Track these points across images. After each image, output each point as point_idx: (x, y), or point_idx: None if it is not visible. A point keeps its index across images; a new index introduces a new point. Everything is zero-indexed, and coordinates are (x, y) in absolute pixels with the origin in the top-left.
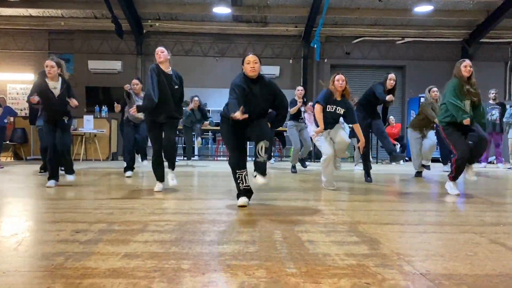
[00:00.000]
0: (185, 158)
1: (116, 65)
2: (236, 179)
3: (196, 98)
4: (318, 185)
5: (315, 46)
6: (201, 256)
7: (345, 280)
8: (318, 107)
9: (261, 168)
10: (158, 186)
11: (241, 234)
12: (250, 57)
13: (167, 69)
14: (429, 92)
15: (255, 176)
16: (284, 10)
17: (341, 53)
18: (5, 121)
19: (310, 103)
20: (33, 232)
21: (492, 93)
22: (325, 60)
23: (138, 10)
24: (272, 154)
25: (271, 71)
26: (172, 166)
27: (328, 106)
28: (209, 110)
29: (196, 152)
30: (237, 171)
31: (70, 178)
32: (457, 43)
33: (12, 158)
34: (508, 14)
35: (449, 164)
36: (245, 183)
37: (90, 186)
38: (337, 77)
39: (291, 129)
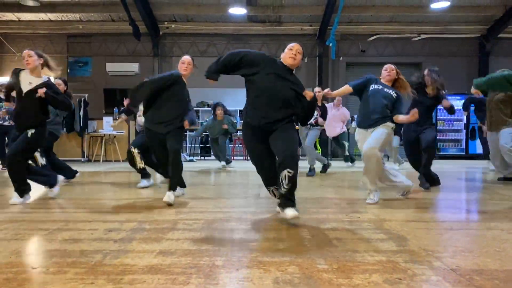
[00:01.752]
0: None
1: (133, 67)
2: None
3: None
4: (338, 183)
5: (331, 45)
6: (233, 253)
7: (376, 276)
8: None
9: (286, 201)
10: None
11: (269, 232)
12: (295, 45)
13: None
14: None
15: (281, 211)
16: (299, 9)
17: (356, 51)
18: None
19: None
20: (67, 231)
21: None
22: (341, 58)
23: (154, 12)
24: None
25: None
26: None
27: (371, 86)
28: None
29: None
30: (268, 187)
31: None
32: (475, 39)
33: None
34: None
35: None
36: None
37: (113, 186)
38: (385, 66)
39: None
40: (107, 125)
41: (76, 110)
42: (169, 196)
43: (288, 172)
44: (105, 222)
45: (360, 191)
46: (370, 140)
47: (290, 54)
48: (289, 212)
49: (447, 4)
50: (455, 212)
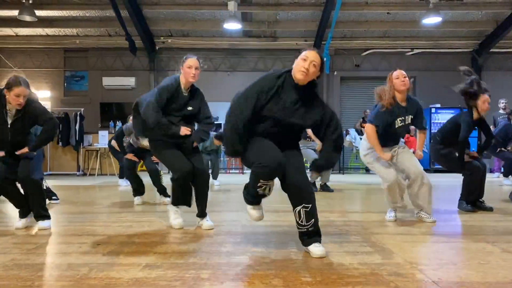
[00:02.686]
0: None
1: (130, 81)
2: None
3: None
4: (329, 195)
5: (325, 59)
6: (219, 266)
7: None
8: (370, 128)
9: (305, 240)
10: (176, 220)
11: (257, 245)
12: (309, 53)
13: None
14: None
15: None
16: (294, 24)
17: (350, 66)
18: None
19: None
20: (56, 245)
21: (502, 103)
22: (335, 73)
23: (150, 27)
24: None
25: None
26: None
27: (392, 122)
28: (220, 124)
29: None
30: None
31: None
32: (467, 53)
33: None
34: None
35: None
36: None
37: (106, 200)
38: (396, 73)
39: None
40: (103, 139)
41: (72, 124)
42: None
43: (304, 208)
44: (94, 236)
45: (350, 205)
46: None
47: (301, 67)
48: (317, 251)
49: (439, 19)
50: (444, 226)
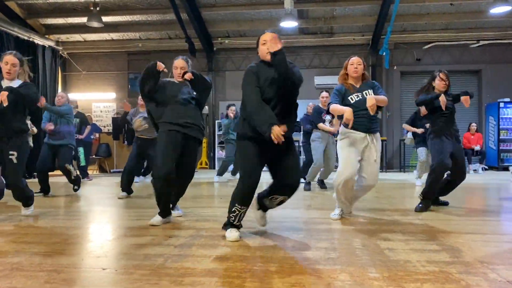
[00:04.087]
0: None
1: None
2: (232, 212)
3: (233, 108)
4: (394, 194)
5: (384, 54)
6: (285, 260)
7: (428, 285)
8: (332, 106)
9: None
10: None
11: (321, 242)
12: (266, 35)
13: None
14: None
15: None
16: (351, 20)
17: (411, 60)
18: (92, 137)
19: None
20: (131, 237)
21: None
22: (395, 68)
23: (208, 29)
24: None
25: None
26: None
27: (349, 97)
28: None
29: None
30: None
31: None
32: None
33: (98, 171)
34: None
35: None
36: (239, 220)
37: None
38: (352, 59)
39: (316, 142)
40: None
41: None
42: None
43: (285, 198)
44: (164, 229)
45: (411, 203)
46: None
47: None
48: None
49: (508, 8)
50: None
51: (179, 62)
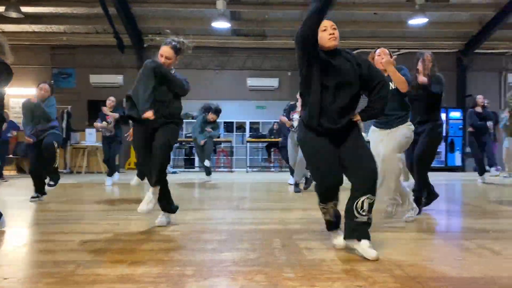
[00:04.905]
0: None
1: (117, 78)
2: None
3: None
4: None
5: None
6: (203, 263)
7: (338, 284)
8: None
9: (361, 231)
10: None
11: (242, 243)
12: (326, 22)
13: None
14: None
15: (339, 240)
16: (282, 24)
17: None
18: (9, 135)
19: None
20: (43, 242)
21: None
22: None
23: (139, 25)
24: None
25: (270, 83)
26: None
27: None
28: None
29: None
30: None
31: None
32: (452, 54)
33: (16, 171)
34: (501, 25)
35: None
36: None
37: (94, 198)
38: (379, 51)
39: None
40: (90, 137)
41: (59, 121)
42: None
43: (369, 199)
44: (82, 234)
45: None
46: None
47: (326, 36)
48: (369, 252)
49: (425, 20)
50: (424, 223)
51: (164, 50)
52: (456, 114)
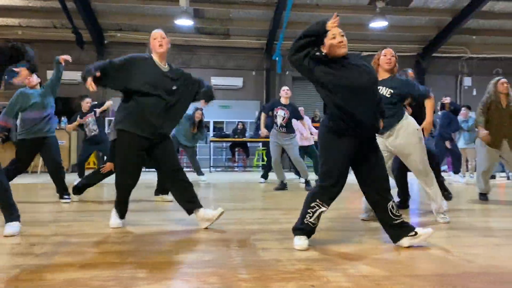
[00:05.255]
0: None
1: (77, 75)
2: (309, 211)
3: (199, 111)
4: (277, 194)
5: (277, 59)
6: (157, 265)
7: (292, 284)
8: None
9: (405, 230)
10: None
11: (199, 244)
12: (334, 29)
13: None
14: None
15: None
16: (246, 23)
17: None
18: None
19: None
20: None
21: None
22: (287, 73)
23: (99, 20)
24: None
25: (234, 82)
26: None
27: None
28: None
29: None
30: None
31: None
32: (412, 57)
33: None
34: (457, 30)
35: None
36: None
37: (47, 199)
38: (385, 51)
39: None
40: None
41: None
42: None
43: (393, 201)
44: (29, 236)
45: (297, 202)
46: None
47: (336, 42)
48: (424, 231)
49: (385, 24)
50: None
51: (157, 33)
52: None
